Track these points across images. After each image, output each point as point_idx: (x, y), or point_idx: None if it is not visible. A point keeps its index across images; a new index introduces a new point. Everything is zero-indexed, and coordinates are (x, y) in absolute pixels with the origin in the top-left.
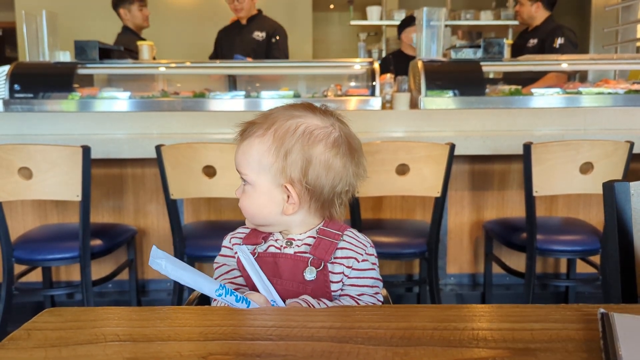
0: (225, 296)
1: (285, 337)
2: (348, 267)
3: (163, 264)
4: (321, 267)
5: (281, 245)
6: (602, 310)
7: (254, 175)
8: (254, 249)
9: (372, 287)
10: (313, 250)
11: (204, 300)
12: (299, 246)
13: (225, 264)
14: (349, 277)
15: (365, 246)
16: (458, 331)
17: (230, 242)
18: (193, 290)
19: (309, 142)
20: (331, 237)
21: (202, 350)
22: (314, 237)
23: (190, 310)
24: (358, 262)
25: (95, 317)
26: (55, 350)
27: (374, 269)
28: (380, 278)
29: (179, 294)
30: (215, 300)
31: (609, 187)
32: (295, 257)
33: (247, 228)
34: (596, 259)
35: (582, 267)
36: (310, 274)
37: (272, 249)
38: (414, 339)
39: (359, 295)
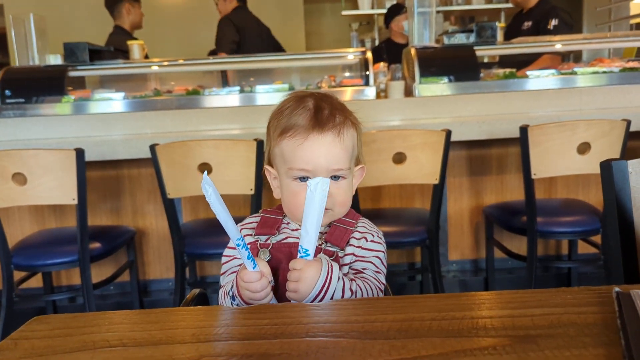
0: (241, 249)
1: (279, 334)
2: (358, 247)
3: (210, 191)
4: (333, 257)
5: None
6: (617, 289)
7: (349, 165)
8: (268, 239)
9: (376, 267)
10: (328, 237)
11: (202, 300)
12: (321, 235)
13: (235, 257)
14: (356, 256)
15: (377, 232)
16: (457, 320)
17: (240, 233)
18: (192, 289)
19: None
20: (346, 225)
21: (195, 352)
22: (329, 226)
23: (182, 312)
24: (367, 241)
25: (84, 324)
26: None
27: (382, 252)
28: (386, 267)
29: (180, 293)
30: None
31: (606, 166)
32: None
33: (257, 217)
34: (597, 239)
35: (583, 248)
36: None
37: (290, 240)
38: (412, 330)
39: (362, 269)
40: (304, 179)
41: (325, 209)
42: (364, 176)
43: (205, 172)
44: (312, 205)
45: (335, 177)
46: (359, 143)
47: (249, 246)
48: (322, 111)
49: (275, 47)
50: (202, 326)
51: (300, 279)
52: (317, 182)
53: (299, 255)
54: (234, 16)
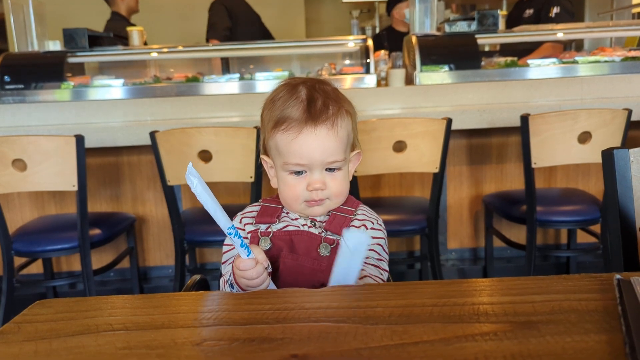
0: (234, 237)
1: (282, 319)
2: None
3: (195, 182)
4: (334, 245)
5: (302, 224)
6: (618, 276)
7: (345, 155)
8: (268, 227)
9: (378, 254)
10: (327, 225)
11: (203, 286)
12: (321, 224)
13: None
14: None
15: (377, 219)
16: (458, 306)
17: (241, 222)
18: (192, 274)
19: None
20: (345, 213)
21: (196, 336)
22: (328, 214)
23: (184, 297)
24: (367, 229)
25: (87, 308)
26: (46, 343)
27: (382, 239)
28: (387, 253)
29: (180, 279)
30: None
31: (608, 154)
32: (310, 234)
33: (257, 206)
34: (596, 228)
35: (582, 237)
36: (325, 250)
37: (290, 228)
38: (413, 316)
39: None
40: (299, 172)
41: (321, 199)
42: (360, 160)
43: (190, 163)
44: (344, 263)
45: (330, 169)
46: (354, 129)
47: (244, 237)
48: (315, 102)
49: (265, 35)
50: (203, 311)
51: None
52: (357, 239)
53: None
54: (226, 0)
